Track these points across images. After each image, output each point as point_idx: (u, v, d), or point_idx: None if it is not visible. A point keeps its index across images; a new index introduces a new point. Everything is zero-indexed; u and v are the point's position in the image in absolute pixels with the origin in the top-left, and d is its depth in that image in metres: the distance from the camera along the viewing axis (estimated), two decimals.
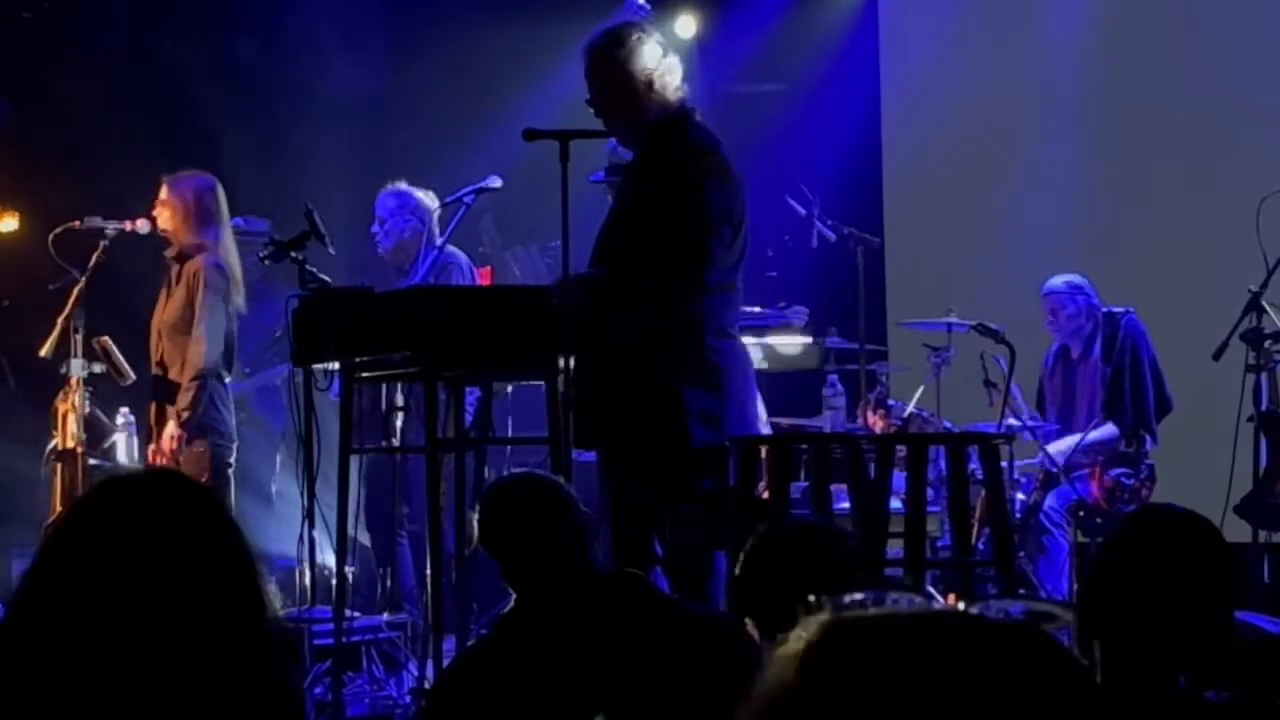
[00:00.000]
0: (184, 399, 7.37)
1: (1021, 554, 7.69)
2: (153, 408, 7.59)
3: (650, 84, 5.83)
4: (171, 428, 7.37)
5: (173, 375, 7.47)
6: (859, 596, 1.65)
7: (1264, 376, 7.28)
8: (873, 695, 1.28)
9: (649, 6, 9.24)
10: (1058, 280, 8.62)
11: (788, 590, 3.79)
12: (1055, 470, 8.19)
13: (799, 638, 1.33)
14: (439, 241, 7.63)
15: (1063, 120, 10.17)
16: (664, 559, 5.75)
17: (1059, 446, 8.32)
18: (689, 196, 5.68)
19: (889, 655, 1.30)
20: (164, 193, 7.56)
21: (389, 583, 8.03)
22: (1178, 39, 10.04)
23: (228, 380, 7.63)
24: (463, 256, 8.12)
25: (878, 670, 1.29)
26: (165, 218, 7.53)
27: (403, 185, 8.26)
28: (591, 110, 5.93)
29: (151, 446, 7.53)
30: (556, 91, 8.83)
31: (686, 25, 10.10)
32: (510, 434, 7.90)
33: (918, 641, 1.30)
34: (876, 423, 7.94)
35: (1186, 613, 2.95)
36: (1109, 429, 8.34)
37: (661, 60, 5.87)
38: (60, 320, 7.52)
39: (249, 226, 8.19)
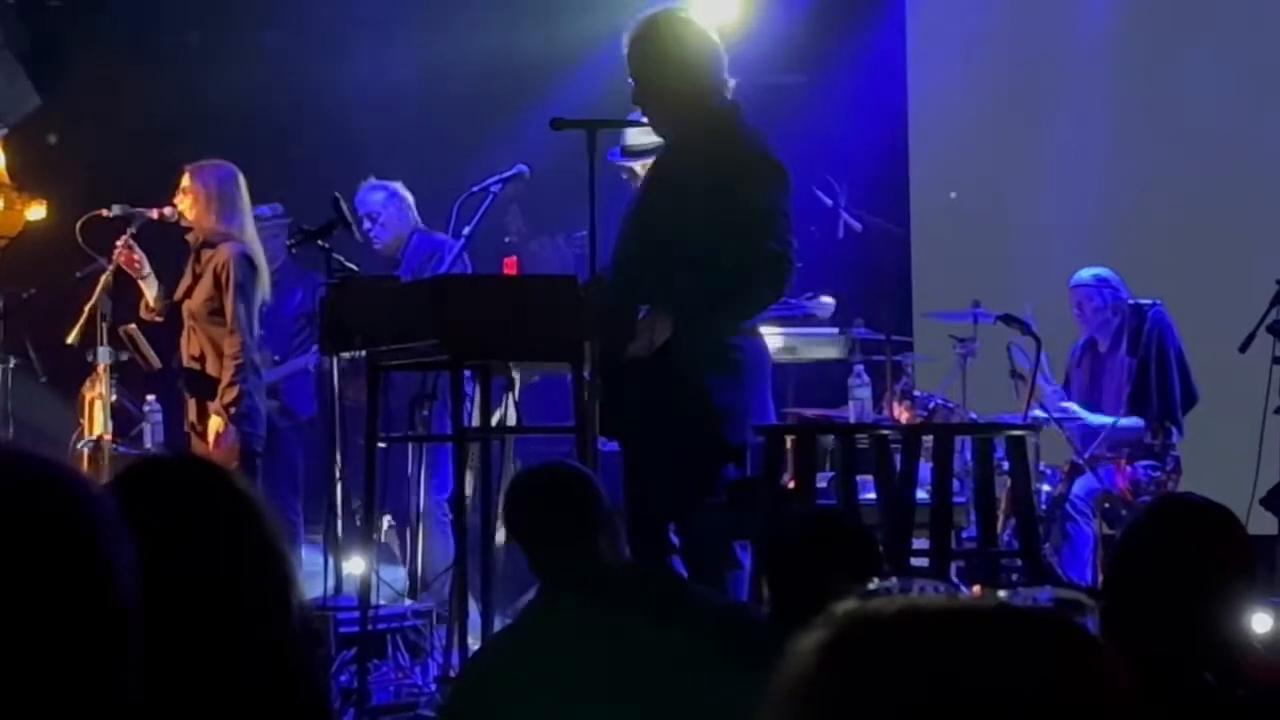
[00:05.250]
0: (229, 394, 7.36)
1: (1046, 544, 7.68)
2: (192, 405, 7.56)
3: (692, 73, 5.75)
4: (218, 423, 7.36)
5: (209, 369, 7.46)
6: (885, 584, 1.65)
7: None
8: (898, 685, 1.28)
9: None
10: (1084, 273, 8.61)
11: (809, 574, 3.81)
12: (1081, 462, 8.18)
13: (823, 627, 1.33)
14: (466, 230, 7.64)
15: (1089, 111, 10.14)
16: (681, 548, 5.74)
17: (1085, 416, 8.30)
18: (762, 199, 5.64)
19: (914, 644, 1.29)
20: (186, 181, 7.57)
21: (416, 571, 8.03)
22: (1207, 28, 10.00)
23: (261, 368, 7.62)
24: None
25: (902, 660, 1.29)
26: (187, 206, 7.53)
27: (376, 180, 8.40)
28: (632, 96, 5.87)
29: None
30: (585, 80, 8.82)
31: None
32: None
33: (943, 630, 1.30)
34: (902, 414, 7.93)
35: (1203, 601, 2.94)
36: (1136, 420, 8.32)
37: (706, 50, 5.79)
38: (87, 308, 7.52)
39: (273, 213, 8.21)
